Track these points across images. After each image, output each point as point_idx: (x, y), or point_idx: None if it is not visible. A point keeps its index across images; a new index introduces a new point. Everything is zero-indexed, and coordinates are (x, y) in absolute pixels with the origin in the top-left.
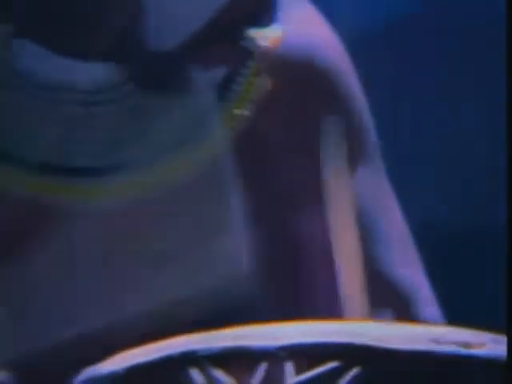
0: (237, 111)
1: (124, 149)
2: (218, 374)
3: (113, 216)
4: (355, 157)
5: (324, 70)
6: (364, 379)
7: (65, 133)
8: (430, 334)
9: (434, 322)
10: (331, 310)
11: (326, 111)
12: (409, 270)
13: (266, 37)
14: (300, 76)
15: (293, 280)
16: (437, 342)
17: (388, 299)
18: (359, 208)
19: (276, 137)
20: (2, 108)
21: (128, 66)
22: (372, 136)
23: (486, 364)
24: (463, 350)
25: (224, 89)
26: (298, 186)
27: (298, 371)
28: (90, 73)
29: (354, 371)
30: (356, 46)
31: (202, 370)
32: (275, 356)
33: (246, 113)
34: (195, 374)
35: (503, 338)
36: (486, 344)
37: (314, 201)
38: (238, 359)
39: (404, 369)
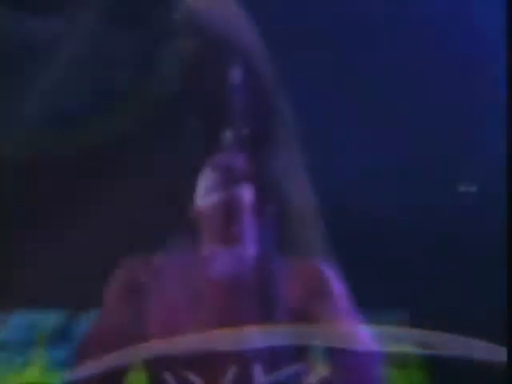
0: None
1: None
2: (190, 376)
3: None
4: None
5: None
6: (329, 379)
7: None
8: (393, 335)
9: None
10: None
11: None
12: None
13: None
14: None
15: None
16: (399, 342)
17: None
18: (274, 183)
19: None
20: None
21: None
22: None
23: (446, 364)
24: (424, 351)
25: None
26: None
27: (267, 372)
28: (53, 32)
29: (320, 372)
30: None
31: (175, 372)
32: (244, 358)
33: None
34: (168, 376)
35: (465, 339)
36: (446, 345)
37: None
38: (208, 362)
39: (368, 368)
